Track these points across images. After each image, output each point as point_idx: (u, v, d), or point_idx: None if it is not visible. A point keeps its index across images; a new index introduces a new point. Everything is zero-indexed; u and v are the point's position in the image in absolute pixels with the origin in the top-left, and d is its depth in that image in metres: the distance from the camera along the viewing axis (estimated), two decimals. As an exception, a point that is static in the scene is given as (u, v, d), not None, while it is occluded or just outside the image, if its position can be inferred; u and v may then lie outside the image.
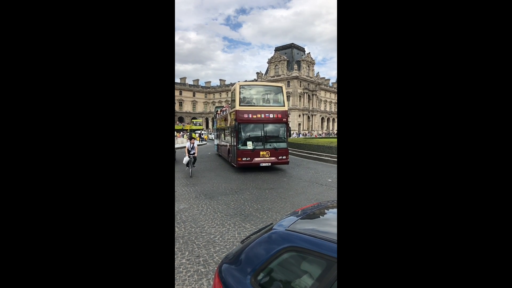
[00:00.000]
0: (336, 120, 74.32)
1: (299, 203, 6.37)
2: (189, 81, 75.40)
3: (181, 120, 64.83)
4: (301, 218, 2.05)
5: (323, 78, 73.20)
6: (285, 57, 58.37)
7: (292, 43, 60.60)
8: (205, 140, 34.30)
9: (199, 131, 42.69)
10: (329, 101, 74.32)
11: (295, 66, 57.34)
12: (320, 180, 9.18)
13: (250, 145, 10.96)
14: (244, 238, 2.59)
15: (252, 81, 65.03)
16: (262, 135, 11.17)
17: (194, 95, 72.99)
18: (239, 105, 10.99)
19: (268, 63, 60.80)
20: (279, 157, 11.22)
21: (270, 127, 11.40)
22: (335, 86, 77.38)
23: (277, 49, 61.40)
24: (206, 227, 4.84)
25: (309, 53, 61.62)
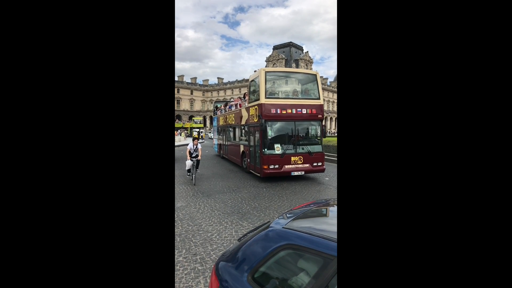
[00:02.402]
0: (333, 119, 74.50)
1: (296, 201, 6.39)
2: (187, 79, 75.17)
3: (178, 118, 64.63)
4: (298, 216, 2.06)
5: (321, 77, 73.21)
6: (283, 56, 58.35)
7: (290, 42, 60.58)
8: (203, 139, 34.39)
9: (198, 130, 42.67)
10: (327, 100, 74.44)
11: (293, 65, 57.36)
12: (318, 179, 9.21)
13: (278, 149, 8.47)
14: (241, 236, 2.59)
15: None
16: (293, 135, 8.65)
17: (191, 93, 72.76)
18: (265, 98, 8.42)
19: (266, 61, 60.75)
20: (314, 164, 8.81)
21: (302, 126, 8.94)
22: (333, 85, 77.48)
23: (275, 48, 61.31)
24: (203, 225, 4.84)
25: (307, 52, 61.67)
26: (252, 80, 9.63)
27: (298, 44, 62.82)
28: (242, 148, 10.75)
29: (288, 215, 2.13)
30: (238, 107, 11.62)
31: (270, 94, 8.77)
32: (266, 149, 8.39)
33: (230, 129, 12.84)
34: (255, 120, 8.84)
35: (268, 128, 8.45)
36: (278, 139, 8.60)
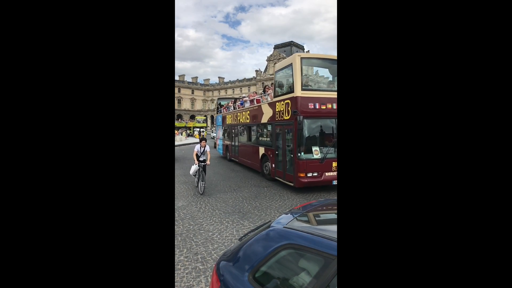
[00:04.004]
0: (334, 118, 74.14)
1: (298, 200, 6.39)
2: (188, 79, 75.16)
3: (180, 117, 64.72)
4: (299, 216, 2.06)
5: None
6: (284, 55, 58.21)
7: (291, 41, 60.39)
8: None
9: (199, 129, 42.77)
10: (328, 100, 74.00)
11: (294, 64, 57.19)
12: (319, 178, 9.18)
13: (317, 152, 6.90)
14: (242, 235, 2.59)
15: (252, 79, 64.80)
16: (334, 135, 7.16)
17: (192, 93, 72.79)
18: (301, 89, 6.85)
19: (267, 61, 60.64)
20: None
21: None
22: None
23: (276, 47, 61.16)
24: (205, 224, 4.85)
25: (308, 51, 61.48)
26: (280, 70, 7.92)
27: (299, 43, 62.69)
28: (262, 151, 9.16)
29: (289, 215, 2.13)
30: (255, 103, 10.03)
31: (305, 85, 7.11)
32: (302, 153, 6.76)
33: (243, 128, 11.38)
34: (286, 118, 7.32)
35: (306, 128, 6.82)
36: (316, 140, 7.02)
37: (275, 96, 8.17)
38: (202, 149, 7.36)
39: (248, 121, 10.70)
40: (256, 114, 9.77)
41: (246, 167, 11.30)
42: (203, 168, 7.18)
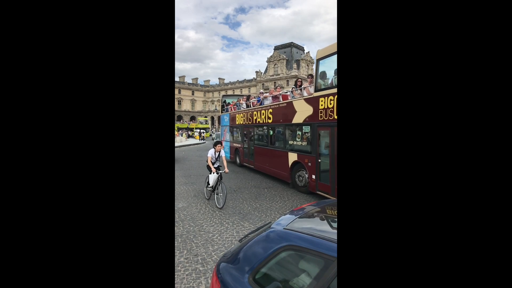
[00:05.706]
0: (335, 119, 73.97)
1: (298, 202, 6.38)
2: (188, 80, 75.25)
3: (179, 118, 64.77)
4: (299, 217, 2.06)
5: None
6: (284, 56, 58.31)
7: (292, 42, 60.46)
8: (204, 139, 34.35)
9: (199, 130, 42.87)
10: (328, 100, 73.91)
11: (294, 65, 57.29)
12: (319, 179, 9.17)
13: None
14: (242, 237, 2.59)
15: (252, 80, 64.85)
16: None
17: (193, 94, 72.89)
18: None
19: (267, 62, 60.69)
20: None
21: None
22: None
23: (276, 48, 61.21)
24: (205, 225, 4.84)
25: (308, 52, 61.50)
26: (327, 57, 6.23)
27: (299, 44, 62.72)
28: (293, 157, 7.68)
29: (289, 216, 2.13)
30: (281, 99, 8.49)
31: None
32: None
33: (262, 129, 9.78)
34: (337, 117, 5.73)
35: None
36: None
37: (317, 90, 6.50)
38: (217, 154, 6.28)
39: (270, 121, 8.99)
40: (285, 112, 8.06)
41: (248, 169, 11.23)
42: (220, 177, 6.06)
